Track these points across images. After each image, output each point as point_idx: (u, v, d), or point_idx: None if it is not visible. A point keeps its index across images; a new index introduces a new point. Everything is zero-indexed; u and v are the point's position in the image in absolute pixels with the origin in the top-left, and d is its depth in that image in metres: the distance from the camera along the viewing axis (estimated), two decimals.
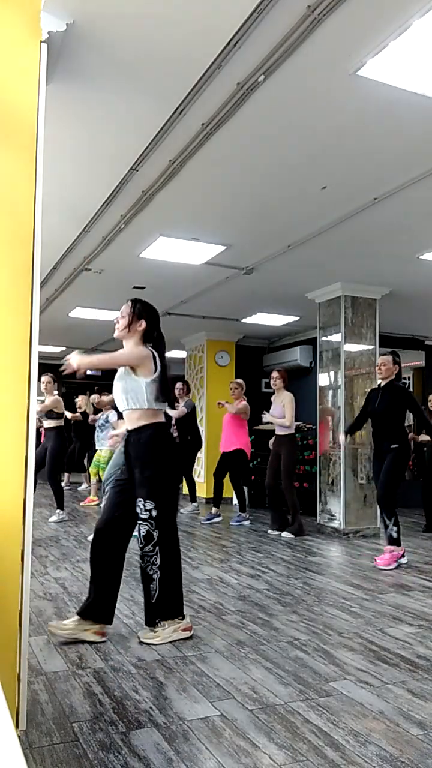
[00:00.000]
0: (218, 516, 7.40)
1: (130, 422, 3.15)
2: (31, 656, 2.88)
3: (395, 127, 3.33)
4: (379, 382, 5.39)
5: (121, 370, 3.17)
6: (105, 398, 7.50)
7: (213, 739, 2.16)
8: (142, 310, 3.16)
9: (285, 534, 6.42)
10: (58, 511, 7.08)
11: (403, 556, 5.16)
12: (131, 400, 3.08)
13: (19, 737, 2.05)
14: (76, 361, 2.95)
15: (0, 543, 1.89)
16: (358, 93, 3.00)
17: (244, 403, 7.37)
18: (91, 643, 3.07)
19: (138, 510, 3.08)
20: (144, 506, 3.04)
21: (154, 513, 3.03)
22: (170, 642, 3.08)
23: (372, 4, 2.40)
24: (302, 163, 3.81)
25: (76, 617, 3.12)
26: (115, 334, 3.20)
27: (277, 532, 6.53)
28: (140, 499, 3.06)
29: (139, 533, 3.08)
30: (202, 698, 2.49)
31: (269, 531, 6.62)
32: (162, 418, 3.16)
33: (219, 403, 7.47)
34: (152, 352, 3.12)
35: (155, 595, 3.07)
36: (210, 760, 2.01)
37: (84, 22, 2.53)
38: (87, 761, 1.99)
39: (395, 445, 5.07)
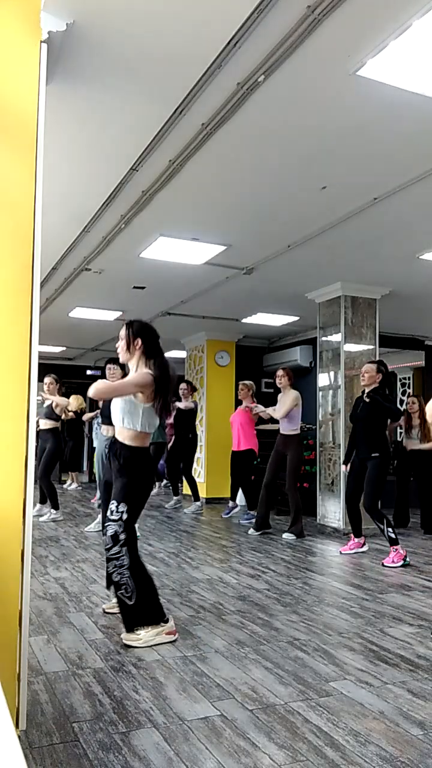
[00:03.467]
0: (236, 507, 7.79)
1: (120, 435, 3.25)
2: (31, 656, 2.88)
3: (395, 127, 3.33)
4: (363, 389, 5.52)
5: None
6: (88, 414, 7.56)
7: (213, 739, 2.16)
8: (137, 330, 3.30)
9: (286, 535, 6.37)
10: (52, 510, 7.09)
11: (364, 544, 5.46)
12: (126, 420, 3.19)
13: (19, 737, 2.05)
14: (92, 392, 3.14)
15: (0, 543, 1.89)
16: (358, 93, 3.00)
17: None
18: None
19: (109, 511, 3.16)
20: (117, 508, 3.13)
21: (125, 516, 3.12)
22: (152, 646, 3.06)
23: (372, 4, 2.40)
24: (302, 163, 3.81)
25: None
26: (121, 360, 3.35)
27: (257, 533, 6.50)
28: (114, 501, 3.16)
29: (106, 533, 3.15)
30: (202, 698, 2.49)
31: (250, 531, 6.57)
32: (147, 443, 3.27)
33: (248, 407, 7.53)
34: (154, 378, 3.17)
35: (132, 597, 3.08)
36: (210, 760, 2.01)
37: (84, 22, 2.53)
38: (87, 761, 2.00)
39: (376, 454, 5.24)
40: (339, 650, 3.07)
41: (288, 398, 6.50)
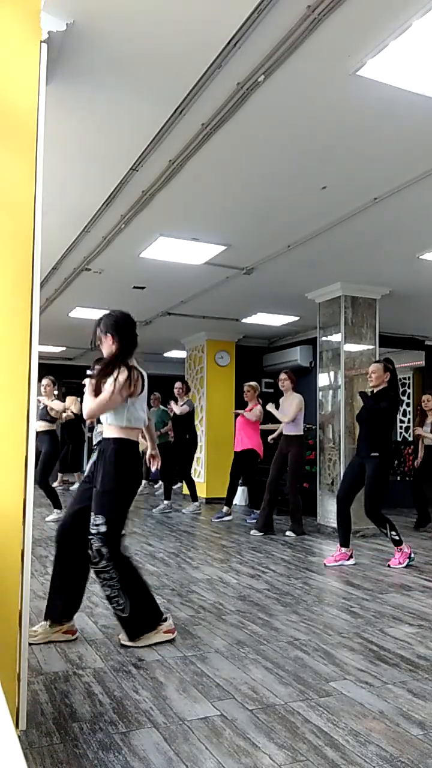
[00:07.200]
0: (229, 515, 7.56)
1: (106, 430, 3.16)
2: (31, 656, 2.88)
3: (395, 126, 3.33)
4: (370, 388, 5.37)
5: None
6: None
7: (213, 739, 2.15)
8: (105, 327, 3.15)
9: (287, 533, 6.44)
10: (56, 510, 7.10)
11: (351, 557, 5.19)
12: (110, 415, 3.10)
13: (19, 737, 2.05)
14: (86, 413, 3.06)
15: (0, 543, 1.89)
16: (358, 93, 3.00)
17: (259, 407, 7.42)
18: (62, 642, 3.09)
19: (90, 524, 3.04)
20: (94, 521, 3.01)
21: (102, 528, 2.98)
22: (151, 645, 3.05)
23: (372, 4, 2.40)
24: (302, 163, 3.81)
25: (46, 622, 3.12)
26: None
27: (259, 533, 6.48)
28: (92, 513, 3.03)
29: (91, 548, 3.01)
30: (202, 698, 2.49)
31: (252, 531, 6.56)
32: (135, 437, 3.15)
33: (235, 413, 7.65)
34: (141, 374, 3.14)
35: (126, 610, 3.00)
36: (210, 760, 2.01)
37: (84, 22, 2.53)
38: (87, 761, 2.00)
39: (376, 454, 5.00)
40: (339, 650, 3.07)
41: (292, 402, 6.55)
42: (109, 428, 3.14)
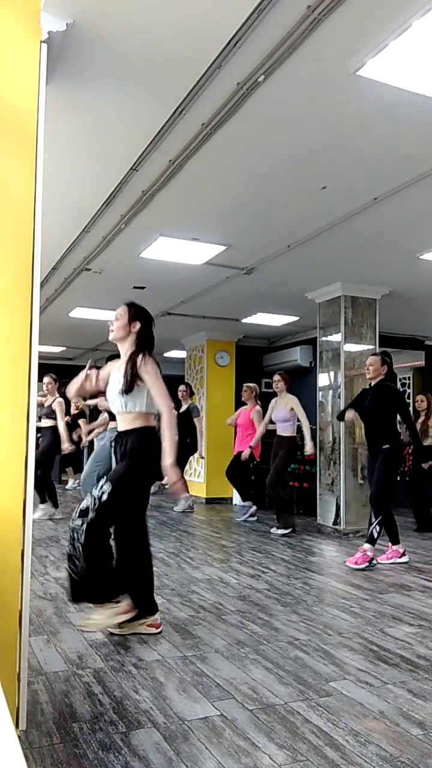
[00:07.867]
0: (252, 507, 7.61)
1: (125, 423, 3.20)
2: (31, 656, 2.88)
3: (395, 127, 3.33)
4: (369, 382, 5.40)
5: (119, 375, 3.21)
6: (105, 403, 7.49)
7: (213, 739, 2.16)
8: (137, 313, 3.27)
9: (279, 531, 6.47)
10: (42, 505, 7.13)
11: (404, 554, 5.21)
12: (130, 403, 3.16)
13: (19, 737, 2.05)
14: (175, 475, 3.08)
15: (0, 543, 1.89)
16: (358, 93, 3.00)
17: (257, 407, 7.44)
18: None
19: (98, 486, 3.09)
20: (101, 485, 3.05)
21: (104, 497, 3.00)
22: (106, 628, 3.08)
23: (372, 4, 2.40)
24: (302, 163, 3.81)
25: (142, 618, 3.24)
26: (111, 337, 3.28)
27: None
28: (105, 478, 3.10)
29: (79, 504, 3.06)
30: (202, 698, 2.49)
31: (273, 529, 6.64)
32: (153, 423, 3.23)
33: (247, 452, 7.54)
34: (157, 361, 3.21)
35: (79, 574, 2.97)
36: (210, 760, 2.01)
37: (84, 22, 2.53)
38: (87, 761, 2.00)
39: (387, 446, 5.11)
40: (339, 650, 3.07)
41: (294, 404, 6.61)
42: (128, 419, 3.18)
